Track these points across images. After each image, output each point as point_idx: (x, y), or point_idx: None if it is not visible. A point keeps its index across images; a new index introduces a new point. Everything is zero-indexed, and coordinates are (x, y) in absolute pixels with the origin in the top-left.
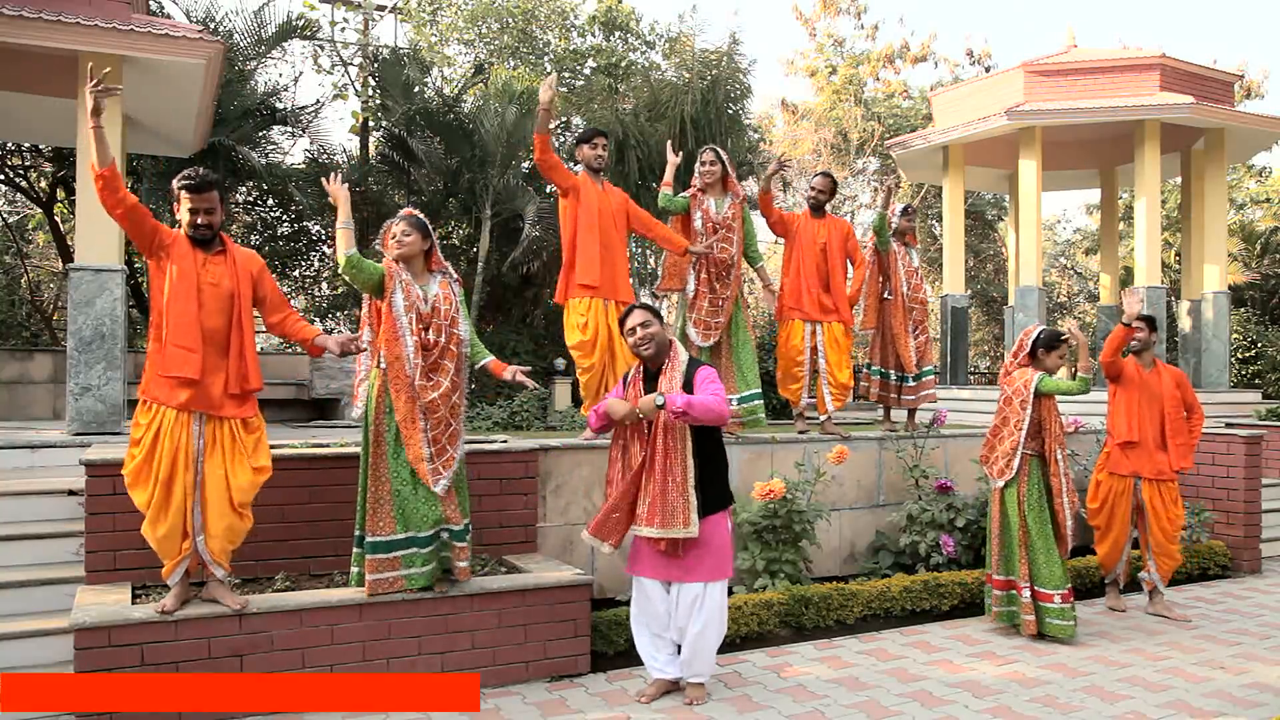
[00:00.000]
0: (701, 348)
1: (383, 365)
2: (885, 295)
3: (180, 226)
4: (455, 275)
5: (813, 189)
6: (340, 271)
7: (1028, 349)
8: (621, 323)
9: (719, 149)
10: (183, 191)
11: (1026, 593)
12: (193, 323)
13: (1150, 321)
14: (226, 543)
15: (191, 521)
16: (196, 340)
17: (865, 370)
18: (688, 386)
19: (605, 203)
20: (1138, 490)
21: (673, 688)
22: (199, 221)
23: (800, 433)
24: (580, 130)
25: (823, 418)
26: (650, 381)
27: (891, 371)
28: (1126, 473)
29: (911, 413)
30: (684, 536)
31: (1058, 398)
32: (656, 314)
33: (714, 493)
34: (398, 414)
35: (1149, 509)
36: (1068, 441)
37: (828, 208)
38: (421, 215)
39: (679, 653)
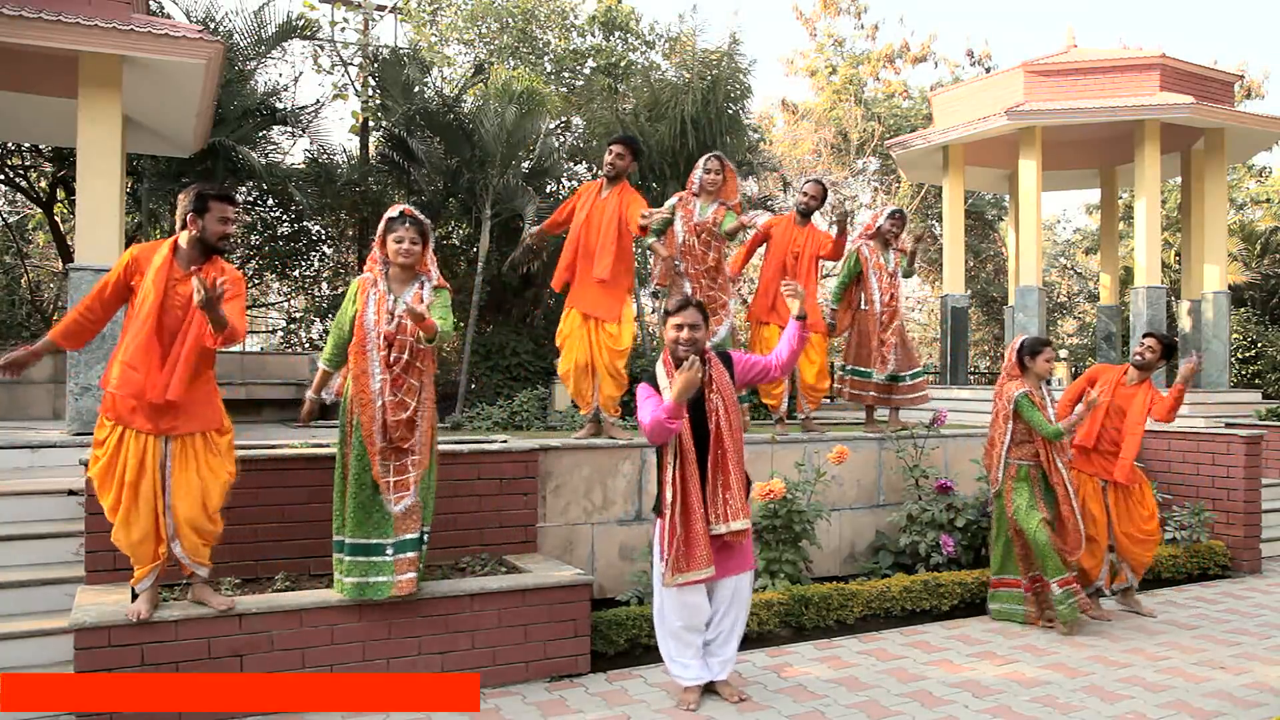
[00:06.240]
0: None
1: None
2: (861, 306)
3: (184, 233)
4: (435, 281)
5: (804, 194)
6: (327, 357)
7: (1015, 360)
8: (669, 314)
9: (724, 158)
10: (216, 202)
11: (1021, 589)
12: (149, 342)
13: (1169, 348)
14: (199, 544)
15: (165, 527)
16: (145, 361)
17: (840, 372)
18: (731, 373)
19: (597, 210)
20: (1106, 494)
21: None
22: (229, 232)
23: (779, 434)
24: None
25: (801, 417)
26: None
27: (871, 370)
28: (1090, 471)
29: (896, 410)
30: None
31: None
32: (705, 317)
33: None
34: (362, 430)
35: (1111, 513)
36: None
37: (817, 216)
38: (424, 218)
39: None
